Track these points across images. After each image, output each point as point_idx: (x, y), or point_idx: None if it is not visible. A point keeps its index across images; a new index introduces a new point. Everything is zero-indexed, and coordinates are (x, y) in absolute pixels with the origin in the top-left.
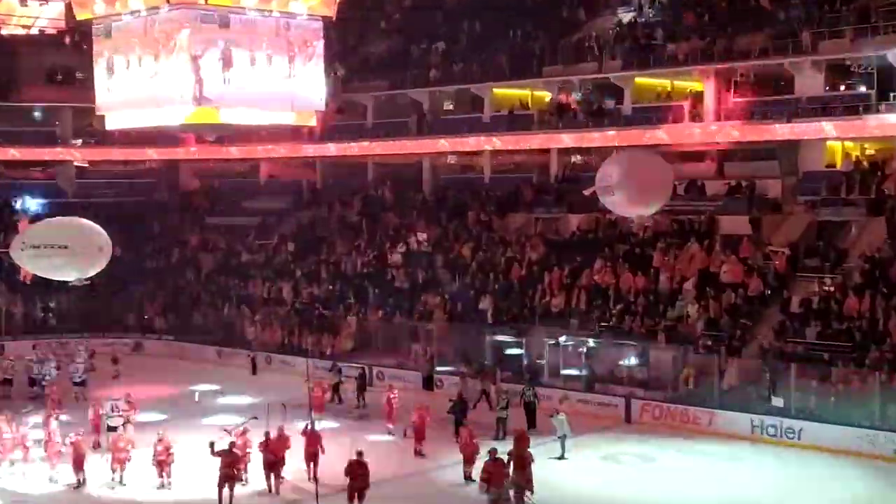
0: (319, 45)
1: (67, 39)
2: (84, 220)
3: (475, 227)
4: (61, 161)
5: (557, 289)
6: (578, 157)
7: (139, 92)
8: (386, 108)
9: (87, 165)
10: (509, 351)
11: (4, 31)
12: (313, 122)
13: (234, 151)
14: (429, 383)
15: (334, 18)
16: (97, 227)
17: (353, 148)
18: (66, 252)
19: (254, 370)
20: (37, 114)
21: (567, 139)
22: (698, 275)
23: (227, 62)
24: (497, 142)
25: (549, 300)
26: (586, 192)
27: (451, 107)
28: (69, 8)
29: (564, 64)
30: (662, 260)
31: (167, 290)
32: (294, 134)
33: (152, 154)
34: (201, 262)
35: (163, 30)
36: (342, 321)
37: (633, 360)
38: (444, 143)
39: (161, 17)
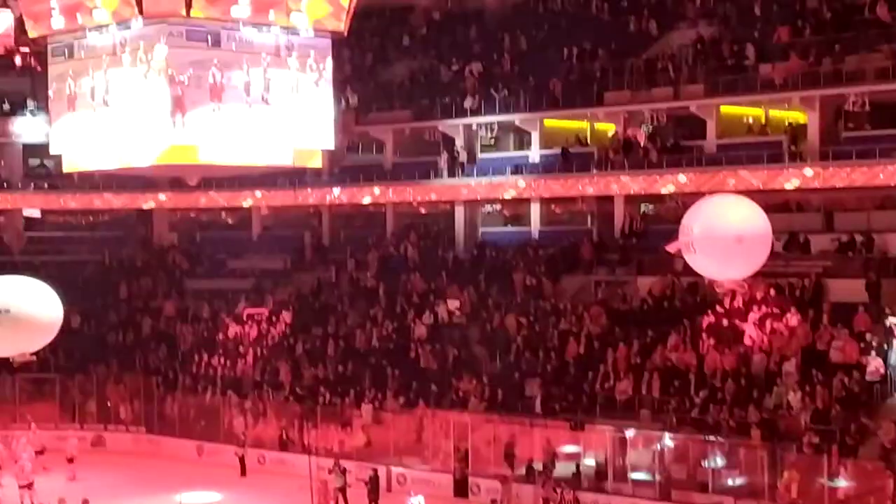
0: (328, 68)
1: (17, 61)
2: (28, 279)
3: (521, 292)
4: (7, 210)
5: (624, 370)
6: (649, 206)
7: (104, 125)
8: (409, 145)
9: (38, 216)
10: (564, 448)
11: None
12: (318, 163)
13: (220, 199)
14: (461, 489)
15: (346, 33)
16: (45, 286)
17: (368, 194)
18: (6, 319)
19: (243, 471)
20: None
21: (635, 183)
22: (801, 354)
23: (215, 89)
24: (547, 186)
25: (613, 385)
26: (670, 249)
27: (490, 143)
28: (20, 22)
29: (632, 89)
30: (756, 335)
31: (136, 370)
32: (294, 177)
33: (119, 202)
34: (179, 336)
35: (136, 48)
36: (354, 410)
37: (719, 461)
38: (481, 188)
39: (134, 33)
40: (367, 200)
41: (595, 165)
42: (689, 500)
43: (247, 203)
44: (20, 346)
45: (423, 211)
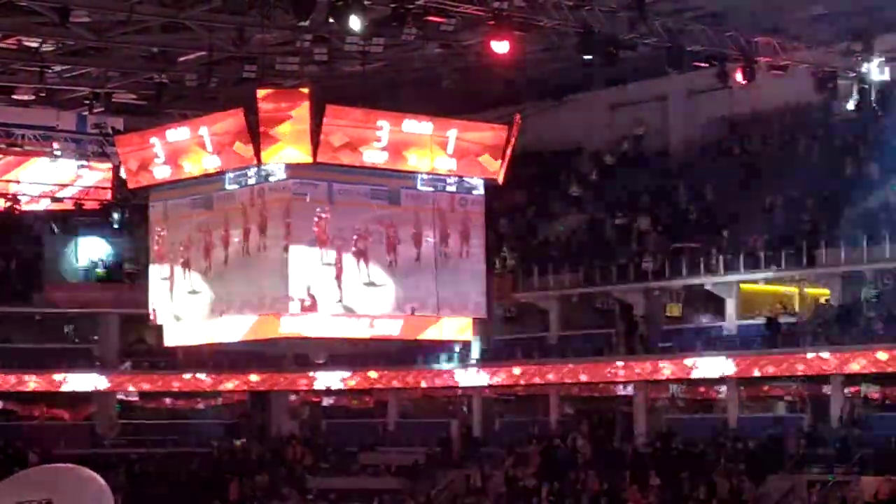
0: (480, 222)
1: (114, 217)
2: (76, 467)
3: (715, 494)
4: (99, 393)
5: None
6: (873, 388)
7: (214, 294)
8: (578, 315)
9: (136, 399)
10: None
11: (24, 204)
12: (468, 337)
13: (350, 381)
14: None
15: (501, 181)
16: (93, 473)
17: (529, 374)
18: None
19: None
20: (67, 324)
21: (856, 360)
22: None
23: (389, 249)
24: (747, 364)
25: None
26: None
27: (675, 312)
28: (116, 173)
29: (849, 246)
30: None
31: None
32: (439, 354)
33: (230, 384)
34: None
35: (273, 200)
36: None
37: None
38: (665, 367)
39: (276, 185)
40: (526, 381)
41: (806, 339)
42: None
43: (383, 384)
44: None
45: (595, 394)
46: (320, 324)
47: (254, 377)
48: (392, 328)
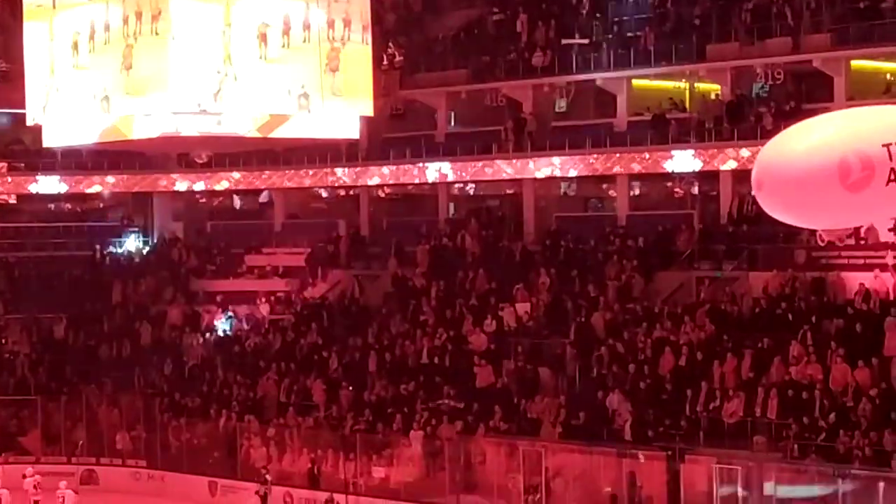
0: (365, 16)
1: None
2: None
3: (604, 292)
4: None
5: (733, 388)
6: None
7: (95, 90)
8: (468, 112)
9: (13, 201)
10: None
11: None
12: (355, 134)
13: (236, 179)
14: None
15: None
16: None
17: (416, 172)
18: None
19: None
20: None
21: (746, 156)
22: None
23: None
24: (636, 161)
25: (719, 405)
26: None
27: (564, 108)
28: None
29: (741, 40)
30: None
31: (134, 390)
32: (325, 152)
33: (112, 183)
34: (187, 349)
35: None
36: (400, 439)
37: (851, 499)
38: (555, 164)
39: None
40: (414, 180)
41: (695, 134)
42: None
43: (269, 184)
44: None
45: (485, 193)
46: (173, 122)
47: (132, 176)
48: (243, 126)
